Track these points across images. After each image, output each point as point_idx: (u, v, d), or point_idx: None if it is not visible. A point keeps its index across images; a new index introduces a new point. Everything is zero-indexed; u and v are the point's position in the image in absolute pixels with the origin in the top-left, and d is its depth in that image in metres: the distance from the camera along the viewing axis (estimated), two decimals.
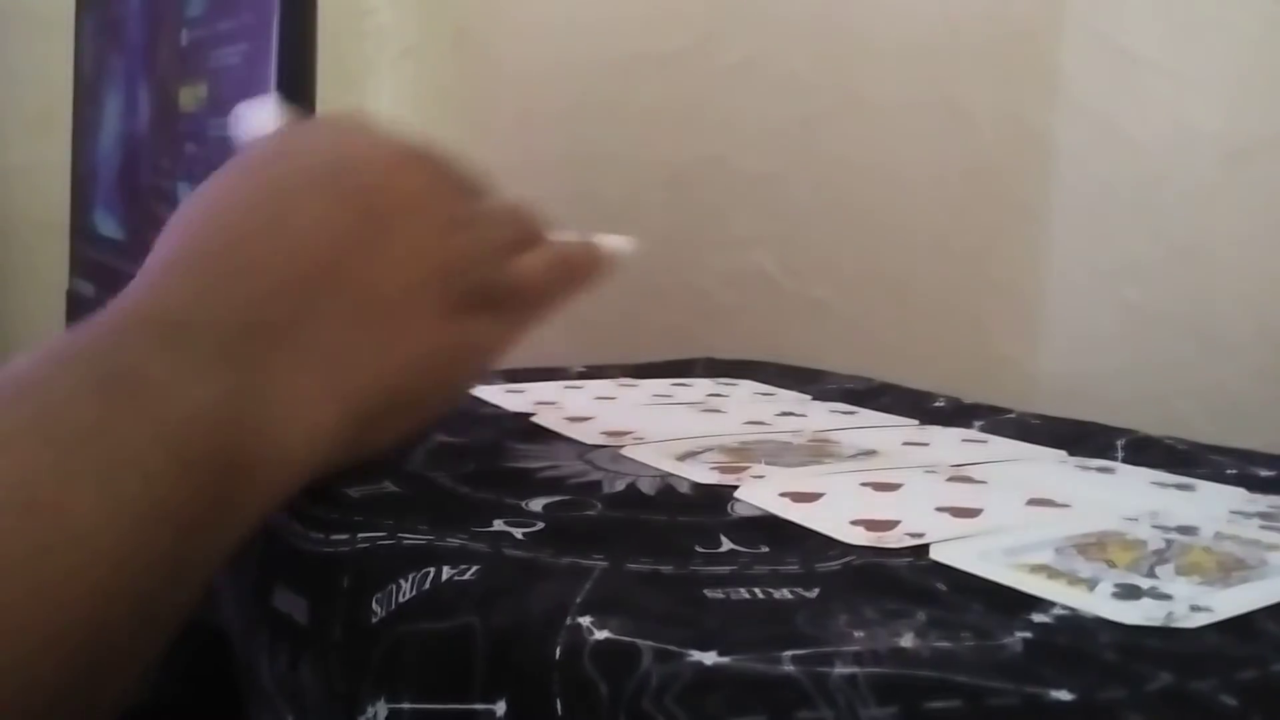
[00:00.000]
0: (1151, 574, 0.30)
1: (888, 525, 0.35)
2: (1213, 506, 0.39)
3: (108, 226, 0.95)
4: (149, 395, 0.28)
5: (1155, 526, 0.35)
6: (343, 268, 0.35)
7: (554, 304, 0.42)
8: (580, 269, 0.43)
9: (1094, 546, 0.33)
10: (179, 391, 0.29)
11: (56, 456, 0.25)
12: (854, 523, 0.35)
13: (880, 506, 0.38)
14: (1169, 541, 0.34)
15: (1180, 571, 0.31)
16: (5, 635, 0.23)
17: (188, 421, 0.28)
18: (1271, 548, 0.33)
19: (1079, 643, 0.25)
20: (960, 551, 0.32)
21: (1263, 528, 0.36)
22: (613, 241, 0.44)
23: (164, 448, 0.27)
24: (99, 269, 0.98)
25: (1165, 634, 0.26)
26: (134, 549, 0.26)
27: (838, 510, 0.36)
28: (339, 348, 0.34)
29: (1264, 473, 0.45)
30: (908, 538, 0.34)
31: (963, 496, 0.39)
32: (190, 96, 0.73)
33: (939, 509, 0.37)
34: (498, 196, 0.43)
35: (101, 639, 0.25)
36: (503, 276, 0.40)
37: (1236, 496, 0.41)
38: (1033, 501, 0.39)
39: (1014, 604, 0.28)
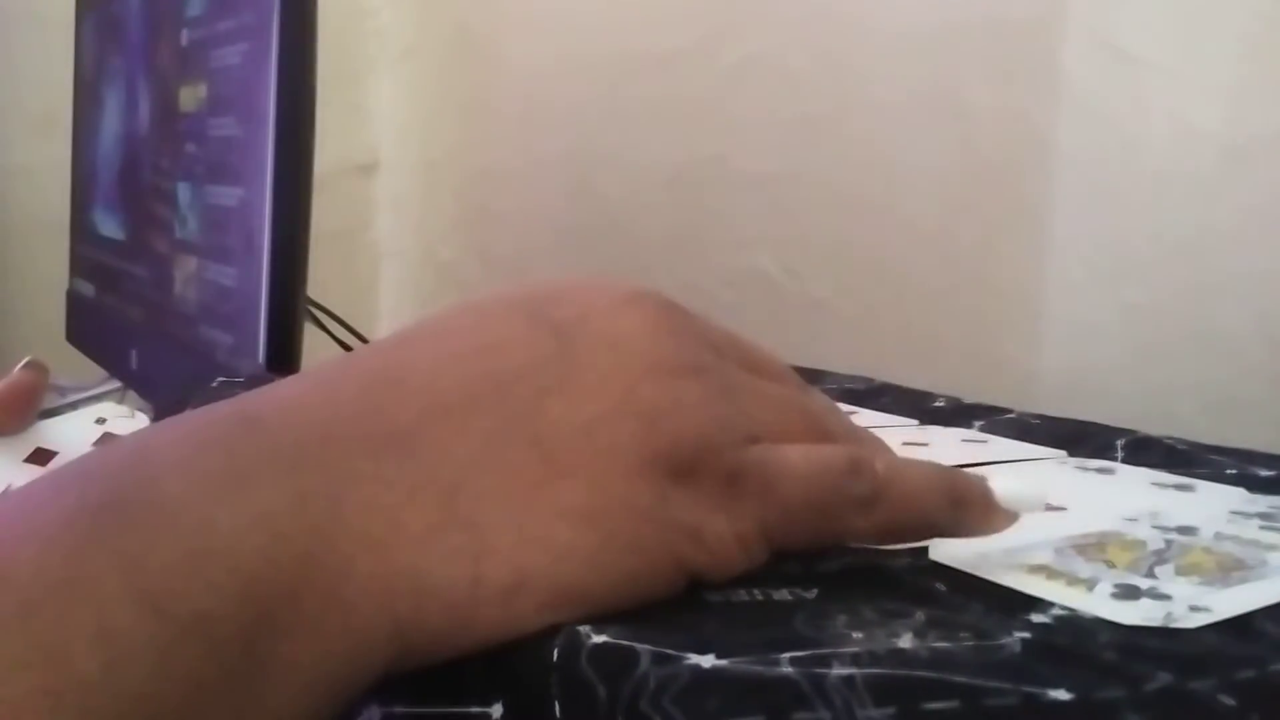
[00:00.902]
0: (1151, 574, 0.30)
1: None
2: (1212, 506, 0.39)
3: (108, 226, 0.95)
4: (133, 530, 0.20)
5: (1155, 527, 0.35)
6: (495, 390, 0.26)
7: (845, 527, 0.29)
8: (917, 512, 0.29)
9: (1093, 547, 0.33)
10: (188, 519, 0.21)
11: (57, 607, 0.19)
12: None
13: None
14: (1169, 542, 0.33)
15: (1180, 572, 0.31)
16: None
17: (187, 562, 0.20)
18: (1271, 548, 0.33)
19: (1078, 642, 0.25)
20: (959, 551, 0.32)
21: (1262, 528, 0.36)
22: (1021, 496, 0.30)
23: (139, 606, 0.20)
24: (99, 269, 0.98)
25: (1164, 634, 0.26)
26: None
27: None
28: (476, 466, 0.25)
29: (1264, 473, 0.45)
30: None
31: None
32: (190, 96, 0.73)
33: None
34: (783, 376, 0.33)
35: None
36: (747, 453, 0.28)
37: (1236, 496, 0.41)
38: None
39: (1013, 604, 0.28)
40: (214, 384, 0.52)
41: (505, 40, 1.04)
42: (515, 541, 0.24)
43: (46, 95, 1.09)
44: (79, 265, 1.06)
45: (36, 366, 0.51)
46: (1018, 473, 0.43)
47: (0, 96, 1.12)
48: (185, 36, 0.74)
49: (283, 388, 0.26)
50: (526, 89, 1.00)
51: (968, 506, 0.29)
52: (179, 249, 0.73)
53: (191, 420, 0.24)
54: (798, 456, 0.28)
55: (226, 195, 0.65)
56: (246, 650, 0.20)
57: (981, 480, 0.30)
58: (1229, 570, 0.31)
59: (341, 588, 0.22)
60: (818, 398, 0.33)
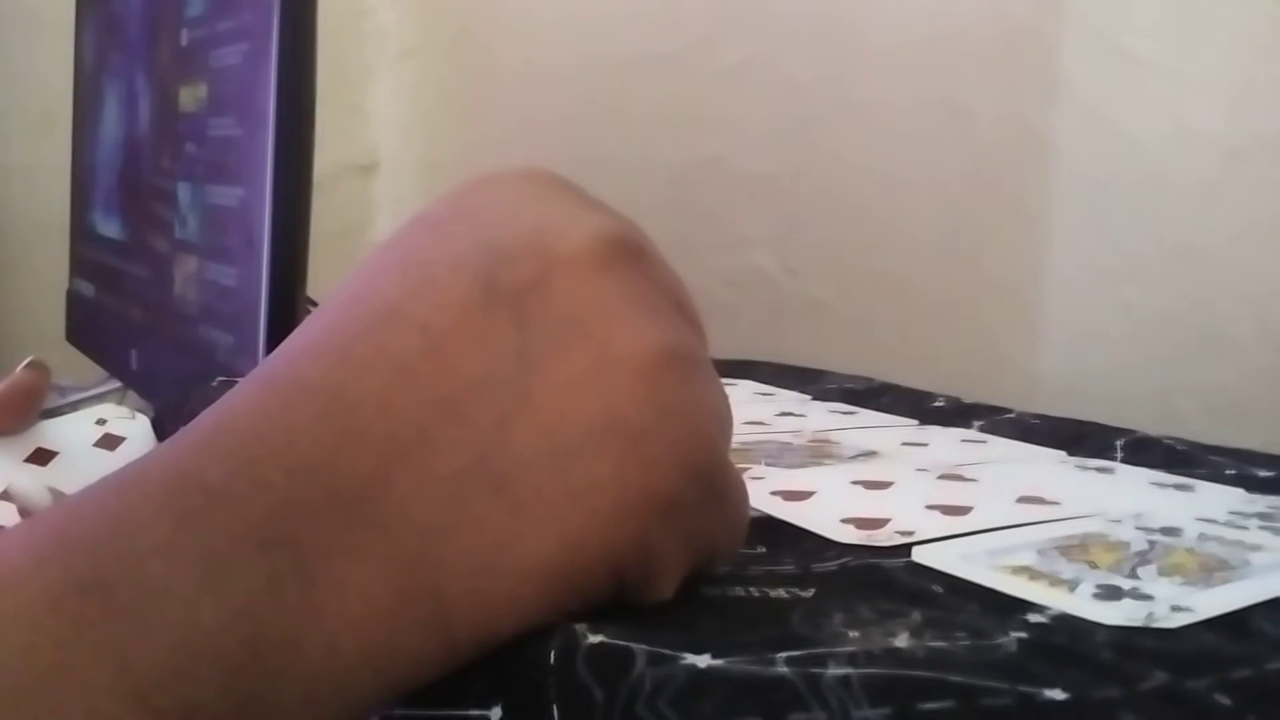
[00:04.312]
0: (1133, 575, 0.30)
1: (878, 523, 0.35)
2: (1210, 507, 0.39)
3: (108, 226, 0.95)
4: (121, 618, 0.20)
5: (1139, 528, 0.35)
6: (451, 421, 0.24)
7: None
8: None
9: (1076, 548, 0.33)
10: (172, 610, 0.20)
11: None
12: (844, 521, 0.35)
13: (871, 504, 0.38)
14: (1152, 543, 0.34)
15: (1162, 572, 0.31)
16: None
17: (173, 654, 0.20)
18: (1254, 548, 0.33)
19: (1074, 642, 0.25)
20: (942, 553, 0.32)
21: (1262, 528, 0.36)
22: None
23: (127, 699, 0.19)
24: (99, 269, 0.98)
25: (1160, 634, 0.26)
26: None
27: (828, 508, 0.36)
28: (429, 535, 0.23)
29: (1263, 473, 0.45)
30: (898, 535, 0.34)
31: (953, 494, 0.39)
32: (190, 96, 0.73)
33: (929, 507, 0.37)
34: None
35: None
36: (728, 472, 0.28)
37: (1235, 497, 0.41)
38: (1023, 500, 0.39)
39: (1009, 604, 0.28)
40: (214, 384, 0.53)
41: (505, 41, 1.04)
42: (482, 609, 0.23)
43: (46, 95, 1.09)
44: (79, 265, 1.06)
45: (38, 367, 0.51)
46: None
47: (0, 96, 1.12)
48: (185, 36, 0.74)
49: (234, 435, 0.23)
50: (526, 90, 1.00)
51: None
52: (179, 249, 0.73)
53: (159, 484, 0.22)
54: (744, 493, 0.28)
55: (226, 195, 0.65)
56: None
57: None
58: (1212, 571, 0.31)
59: (326, 667, 0.22)
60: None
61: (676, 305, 0.27)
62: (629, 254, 0.26)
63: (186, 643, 0.20)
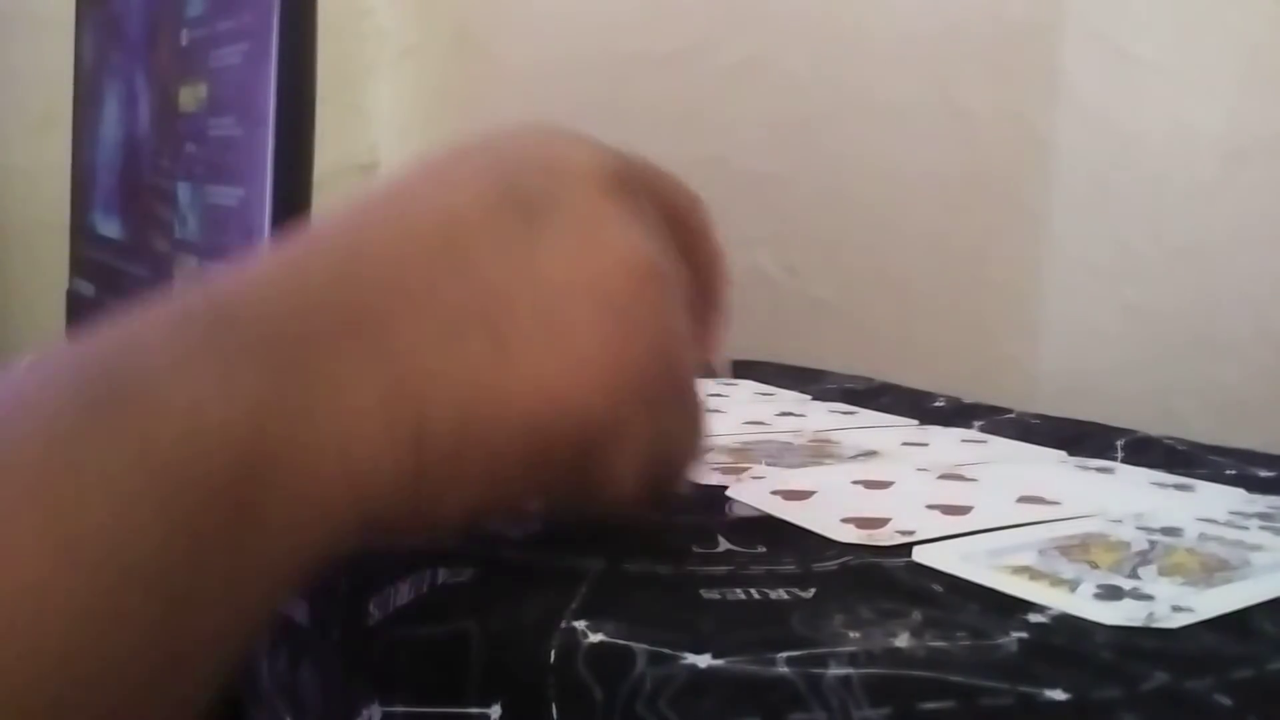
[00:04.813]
0: (1134, 575, 0.30)
1: (878, 523, 0.35)
2: (1209, 507, 0.39)
3: (108, 227, 0.95)
4: (139, 409, 0.22)
5: (1140, 528, 0.35)
6: (468, 260, 0.27)
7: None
8: None
9: (1077, 548, 0.33)
10: (181, 403, 0.22)
11: (5, 490, 0.20)
12: (845, 520, 0.35)
13: (871, 504, 0.38)
14: (1152, 543, 0.34)
15: (1163, 572, 0.31)
16: None
17: (184, 439, 0.22)
18: (1255, 548, 0.33)
19: (1074, 642, 0.25)
20: (943, 553, 0.32)
21: (1262, 528, 0.36)
22: None
23: (155, 484, 0.21)
24: (99, 269, 0.98)
25: (1160, 634, 0.26)
26: (106, 626, 0.20)
27: (829, 508, 0.36)
28: (423, 356, 0.26)
29: (1263, 473, 0.45)
30: (898, 535, 0.34)
31: (954, 494, 0.39)
32: (190, 96, 0.73)
33: (929, 506, 0.37)
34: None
35: None
36: (693, 388, 0.31)
37: (1235, 497, 0.41)
38: (1023, 500, 0.39)
39: (1010, 604, 0.28)
40: None
41: (505, 40, 1.04)
42: (458, 446, 0.25)
43: (46, 95, 1.09)
44: (79, 265, 1.06)
45: None
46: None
47: (0, 96, 1.12)
48: (185, 36, 0.74)
49: (253, 272, 0.26)
50: (526, 89, 1.00)
51: None
52: (179, 249, 0.73)
53: (170, 314, 0.25)
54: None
55: (226, 195, 0.65)
56: (238, 508, 0.22)
57: None
58: (1212, 571, 0.31)
59: (318, 468, 0.24)
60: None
61: (669, 243, 0.30)
62: (629, 188, 0.29)
63: (198, 431, 0.22)
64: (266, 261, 0.27)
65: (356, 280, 0.26)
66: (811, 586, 0.29)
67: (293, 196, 0.60)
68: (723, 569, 0.30)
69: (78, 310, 1.06)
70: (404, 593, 0.30)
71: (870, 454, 0.46)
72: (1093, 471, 0.45)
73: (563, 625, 0.25)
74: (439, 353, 0.26)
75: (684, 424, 0.30)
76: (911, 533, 0.34)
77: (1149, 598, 0.28)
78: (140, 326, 0.24)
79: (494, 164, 0.29)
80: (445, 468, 0.26)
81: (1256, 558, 0.32)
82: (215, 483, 0.22)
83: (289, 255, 0.27)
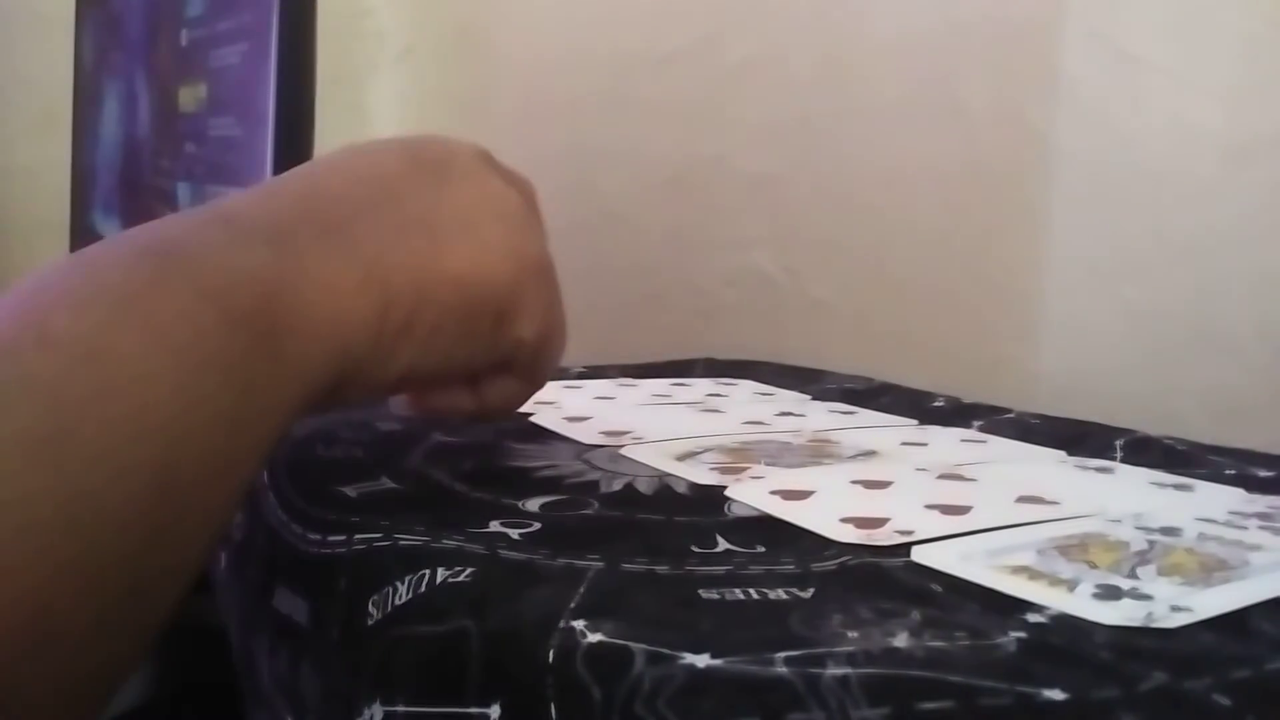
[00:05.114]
0: (1133, 575, 0.30)
1: (877, 523, 0.35)
2: (1209, 507, 0.39)
3: (108, 226, 0.95)
4: (193, 261, 0.30)
5: (1139, 528, 0.35)
6: (402, 193, 0.37)
7: None
8: None
9: (1076, 548, 0.33)
10: (221, 259, 0.30)
11: (108, 313, 0.27)
12: (844, 520, 0.35)
13: (870, 504, 0.38)
14: (1151, 543, 0.34)
15: (1162, 572, 0.31)
16: (79, 463, 0.24)
17: (231, 285, 0.30)
18: (1254, 548, 0.33)
19: (1073, 642, 0.25)
20: (942, 553, 0.32)
21: (1261, 528, 0.36)
22: None
23: (211, 304, 0.29)
24: None
25: (1159, 634, 0.26)
26: (192, 399, 0.27)
27: (828, 508, 0.36)
28: (383, 250, 0.35)
29: (1263, 473, 0.45)
30: (897, 535, 0.34)
31: (953, 494, 0.39)
32: (190, 96, 0.73)
33: (928, 506, 0.37)
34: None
35: (167, 486, 0.26)
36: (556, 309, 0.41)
37: (1235, 497, 0.41)
38: (1022, 500, 0.39)
39: (1009, 604, 0.28)
40: None
41: (505, 40, 1.04)
42: (413, 296, 0.35)
43: (46, 95, 1.09)
44: None
45: None
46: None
47: (1, 96, 1.12)
48: (185, 36, 0.74)
49: (242, 199, 0.35)
50: (526, 89, 1.00)
51: None
52: None
53: (182, 218, 0.34)
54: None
55: (227, 195, 0.65)
56: (264, 334, 0.30)
57: None
58: (1211, 570, 0.31)
59: (312, 315, 0.32)
60: None
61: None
62: (494, 164, 0.41)
63: (233, 271, 0.30)
64: (237, 197, 0.35)
65: (322, 201, 0.35)
66: (810, 586, 0.29)
67: None
68: (722, 569, 0.30)
69: None
70: (403, 592, 0.30)
71: (869, 454, 0.46)
72: (1092, 471, 0.45)
73: (562, 625, 0.25)
74: (393, 248, 0.35)
75: (558, 304, 0.41)
76: (910, 533, 0.34)
77: (1148, 598, 0.28)
78: (161, 226, 0.32)
79: (401, 147, 0.40)
80: (400, 329, 0.35)
81: (1255, 558, 0.32)
82: (249, 307, 0.30)
83: (256, 194, 0.36)
